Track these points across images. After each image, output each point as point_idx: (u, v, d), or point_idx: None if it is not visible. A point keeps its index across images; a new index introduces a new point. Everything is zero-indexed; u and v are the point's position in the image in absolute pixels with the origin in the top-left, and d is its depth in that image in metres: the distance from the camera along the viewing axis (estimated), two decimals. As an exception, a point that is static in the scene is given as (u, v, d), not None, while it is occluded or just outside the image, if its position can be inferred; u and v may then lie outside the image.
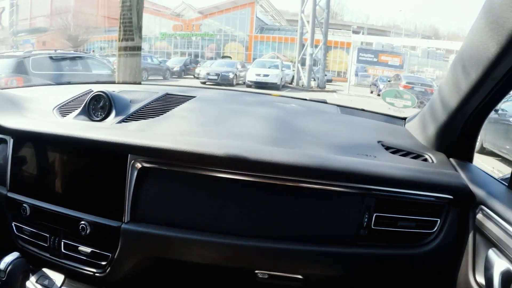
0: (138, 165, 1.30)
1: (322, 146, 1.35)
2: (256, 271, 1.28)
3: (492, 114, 7.31)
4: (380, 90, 21.90)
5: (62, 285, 1.43)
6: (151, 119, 1.49)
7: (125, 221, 1.32)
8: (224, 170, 1.25)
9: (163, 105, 1.61)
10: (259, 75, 18.97)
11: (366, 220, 1.24)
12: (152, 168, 1.30)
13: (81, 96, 1.74)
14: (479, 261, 1.16)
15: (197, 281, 1.46)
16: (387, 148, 1.42)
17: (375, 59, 21.87)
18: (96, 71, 9.20)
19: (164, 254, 1.33)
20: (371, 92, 23.04)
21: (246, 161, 1.22)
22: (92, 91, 1.60)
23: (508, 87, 1.15)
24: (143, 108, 1.57)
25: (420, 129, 1.54)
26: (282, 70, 20.85)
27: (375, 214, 1.24)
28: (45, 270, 1.47)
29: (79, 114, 1.54)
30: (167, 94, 1.74)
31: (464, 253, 1.22)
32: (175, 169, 1.28)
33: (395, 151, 1.41)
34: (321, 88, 21.27)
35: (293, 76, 22.62)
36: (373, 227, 1.24)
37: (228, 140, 1.32)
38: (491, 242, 1.10)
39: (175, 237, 1.28)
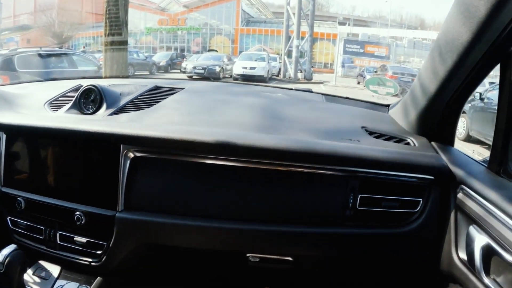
0: (131, 155, 1.33)
1: (307, 132, 1.40)
2: (248, 255, 1.33)
3: (478, 103, 7.43)
4: (366, 81, 21.95)
5: (58, 276, 1.47)
6: (141, 110, 1.53)
7: (119, 210, 1.35)
8: (214, 156, 1.29)
9: (153, 97, 1.65)
10: (245, 68, 18.93)
11: (351, 201, 1.29)
12: (144, 157, 1.33)
13: (72, 90, 1.77)
14: (461, 238, 1.22)
15: (190, 266, 1.51)
16: (371, 133, 1.47)
17: (361, 50, 21.94)
18: (82, 67, 9.17)
19: (158, 241, 1.37)
20: (358, 83, 23.08)
21: (235, 147, 1.26)
22: (82, 85, 1.63)
23: (483, 73, 1.20)
24: (133, 101, 1.61)
25: (402, 115, 1.59)
26: (268, 62, 20.83)
27: (360, 195, 1.29)
28: (41, 262, 1.51)
29: (71, 108, 1.56)
30: (156, 86, 1.78)
31: (446, 231, 1.28)
32: (167, 157, 1.32)
33: (378, 135, 1.45)
34: (308, 79, 21.28)
35: (279, 68, 22.61)
36: (358, 207, 1.29)
37: (217, 128, 1.37)
38: (472, 219, 1.16)
39: (169, 224, 1.32)
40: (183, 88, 1.77)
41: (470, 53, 1.09)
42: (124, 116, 1.48)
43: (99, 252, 1.40)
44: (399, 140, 1.44)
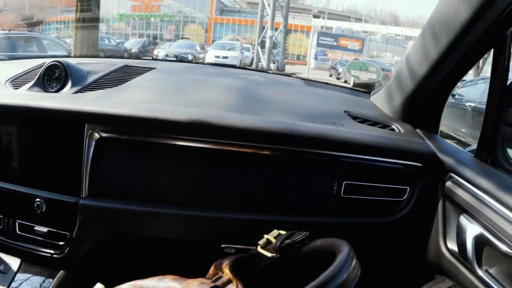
0: (96, 136, 1.22)
1: (288, 114, 1.32)
2: (223, 245, 1.22)
3: (450, 99, 7.58)
4: (339, 74, 22.28)
5: (18, 269, 1.34)
6: (109, 89, 1.42)
7: (83, 196, 1.24)
8: (188, 138, 1.20)
9: (122, 75, 1.55)
10: (218, 57, 18.92)
11: (336, 188, 1.23)
12: (111, 138, 1.23)
13: (35, 69, 1.63)
14: (450, 228, 1.19)
15: (161, 257, 1.39)
16: (354, 117, 1.41)
17: (335, 43, 22.06)
18: (52, 52, 8.91)
19: (125, 230, 1.27)
20: (330, 76, 23.34)
21: (211, 127, 1.17)
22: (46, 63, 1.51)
23: (475, 57, 1.17)
24: (101, 79, 1.50)
25: (386, 101, 1.54)
26: (241, 52, 20.90)
27: (344, 182, 1.24)
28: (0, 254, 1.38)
29: (33, 85, 1.44)
30: (126, 65, 1.67)
31: (434, 221, 1.25)
32: (136, 138, 1.22)
33: (362, 120, 1.40)
34: (280, 70, 21.31)
35: (252, 59, 22.60)
36: (342, 195, 1.24)
37: (192, 108, 1.27)
38: (462, 209, 1.13)
39: (137, 211, 1.22)
40: (154, 68, 1.67)
41: (467, 34, 1.05)
42: (90, 94, 1.36)
43: (61, 243, 1.29)
44: (384, 126, 1.39)
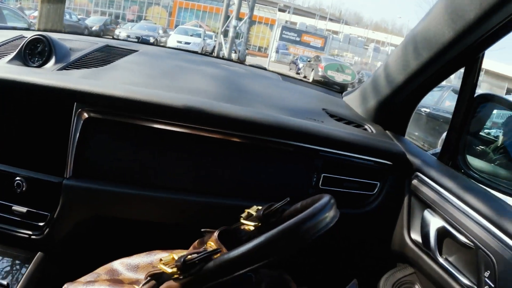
0: (85, 115, 1.19)
1: (273, 108, 1.38)
2: (202, 230, 1.22)
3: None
4: (299, 69, 22.57)
5: None
6: (95, 68, 1.38)
7: (67, 177, 1.20)
8: (179, 123, 1.21)
9: (106, 56, 1.51)
10: (180, 42, 18.79)
11: (314, 180, 1.31)
12: (100, 119, 1.20)
13: (13, 40, 1.56)
14: (415, 221, 1.32)
15: (142, 241, 1.38)
16: (331, 115, 1.49)
17: (297, 39, 22.20)
18: (12, 23, 8.36)
19: (109, 212, 1.26)
20: (290, 70, 23.58)
21: (205, 114, 1.20)
22: (23, 36, 1.48)
23: (448, 72, 1.29)
24: (85, 57, 1.45)
25: (359, 102, 1.64)
26: (204, 39, 20.77)
27: (323, 175, 1.32)
28: None
29: (13, 59, 1.35)
30: (108, 45, 1.63)
31: (399, 214, 1.37)
32: (126, 120, 1.20)
33: (339, 119, 1.48)
34: (241, 61, 21.29)
35: (214, 47, 22.49)
36: (321, 186, 1.32)
37: (184, 94, 1.29)
38: (426, 204, 1.26)
39: (122, 193, 1.22)
40: (137, 51, 1.66)
41: (446, 52, 1.16)
42: (76, 73, 1.31)
43: (41, 224, 1.24)
44: (358, 125, 1.48)
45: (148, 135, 1.22)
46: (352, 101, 1.71)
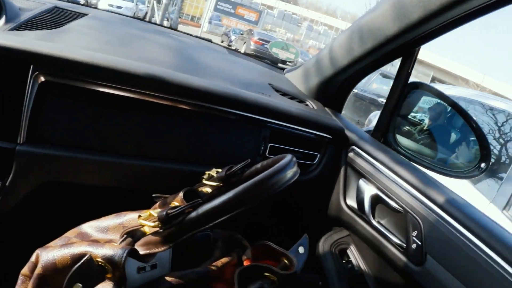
0: (42, 79, 1.12)
1: (224, 80, 1.44)
2: (154, 195, 1.08)
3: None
4: (231, 41, 22.40)
5: None
6: (47, 30, 1.29)
7: (20, 142, 1.14)
8: (137, 90, 1.18)
9: (57, 18, 1.44)
10: (111, 5, 18.01)
11: (262, 149, 1.41)
12: (57, 83, 1.13)
13: None
14: (350, 189, 1.48)
15: (99, 208, 1.27)
16: (276, 90, 1.59)
17: (232, 11, 22.07)
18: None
19: (64, 178, 1.22)
20: (222, 42, 23.38)
21: (167, 83, 1.20)
22: None
23: (386, 61, 1.45)
24: (36, 18, 1.36)
25: (301, 79, 1.76)
26: (136, 4, 20.05)
27: (269, 144, 1.42)
28: None
29: None
30: (56, 7, 1.55)
31: (336, 183, 1.53)
32: (84, 86, 1.15)
33: (283, 94, 1.58)
34: (174, 29, 20.78)
35: (146, 13, 21.78)
36: (267, 155, 1.42)
37: (143, 62, 1.27)
38: (361, 174, 1.42)
39: (77, 158, 1.18)
40: (87, 14, 1.61)
41: (388, 44, 1.31)
42: (30, 34, 1.22)
43: None
44: (300, 101, 1.59)
45: (105, 102, 1.19)
46: (294, 78, 1.83)
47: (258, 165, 1.00)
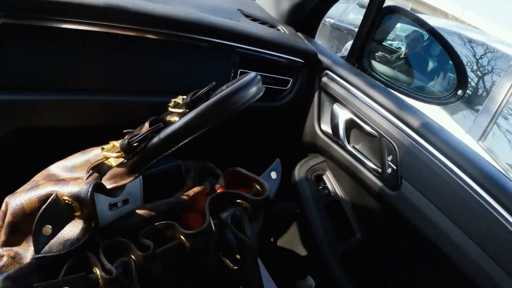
0: None
1: (193, 7, 1.38)
2: (125, 131, 1.02)
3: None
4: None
5: None
6: None
7: None
8: (97, 22, 1.12)
9: None
10: None
11: (232, 75, 1.37)
12: (12, 24, 1.06)
13: None
14: (324, 114, 1.47)
15: (69, 149, 1.29)
16: (246, 16, 1.54)
17: None
18: None
19: (29, 123, 1.18)
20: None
21: (129, 13, 1.14)
22: None
23: None
24: None
25: (273, 5, 1.70)
26: None
27: (239, 70, 1.38)
28: None
29: None
30: None
31: (311, 108, 1.51)
32: (41, 24, 1.08)
33: (253, 19, 1.53)
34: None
35: None
36: None
37: None
38: (335, 99, 1.40)
39: (41, 101, 1.14)
40: None
41: None
42: None
43: None
44: (271, 26, 1.55)
45: (64, 38, 1.13)
46: (266, 4, 1.77)
47: (224, 87, 0.94)
